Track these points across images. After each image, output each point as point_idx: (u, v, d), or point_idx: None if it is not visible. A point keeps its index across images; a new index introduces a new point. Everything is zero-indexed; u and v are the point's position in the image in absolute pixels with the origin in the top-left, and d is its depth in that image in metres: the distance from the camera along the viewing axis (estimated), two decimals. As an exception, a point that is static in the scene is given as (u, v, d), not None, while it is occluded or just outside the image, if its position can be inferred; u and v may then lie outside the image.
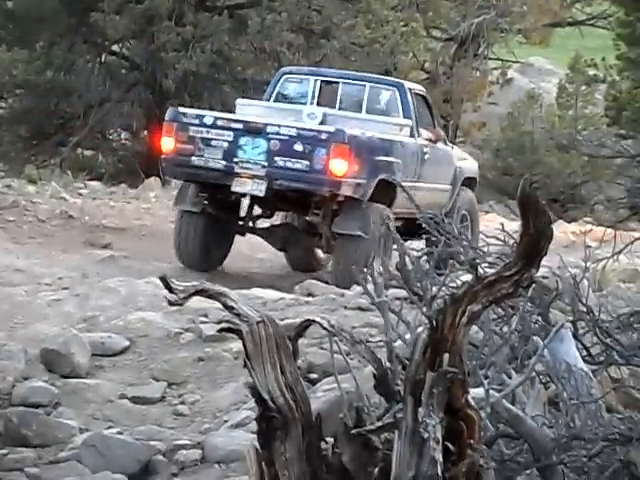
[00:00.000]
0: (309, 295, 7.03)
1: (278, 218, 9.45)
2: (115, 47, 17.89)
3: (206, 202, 8.65)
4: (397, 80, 10.55)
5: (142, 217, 11.94)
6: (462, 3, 22.13)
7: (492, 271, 2.15)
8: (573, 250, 9.04)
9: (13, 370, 4.99)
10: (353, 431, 2.28)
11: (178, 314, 5.63)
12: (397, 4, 17.78)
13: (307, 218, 8.73)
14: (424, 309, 2.62)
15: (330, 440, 2.29)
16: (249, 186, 8.34)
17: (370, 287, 2.93)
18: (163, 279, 2.47)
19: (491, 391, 2.44)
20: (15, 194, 12.16)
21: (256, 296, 6.34)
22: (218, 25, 15.65)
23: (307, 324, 2.49)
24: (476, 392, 2.36)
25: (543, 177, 20.14)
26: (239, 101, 10.10)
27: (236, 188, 8.39)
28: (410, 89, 9.62)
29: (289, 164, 8.19)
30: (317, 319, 2.32)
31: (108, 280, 7.06)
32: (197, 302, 3.50)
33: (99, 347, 5.37)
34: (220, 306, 2.57)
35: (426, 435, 1.92)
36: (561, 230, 12.49)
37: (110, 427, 4.46)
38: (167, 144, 8.56)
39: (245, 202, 8.93)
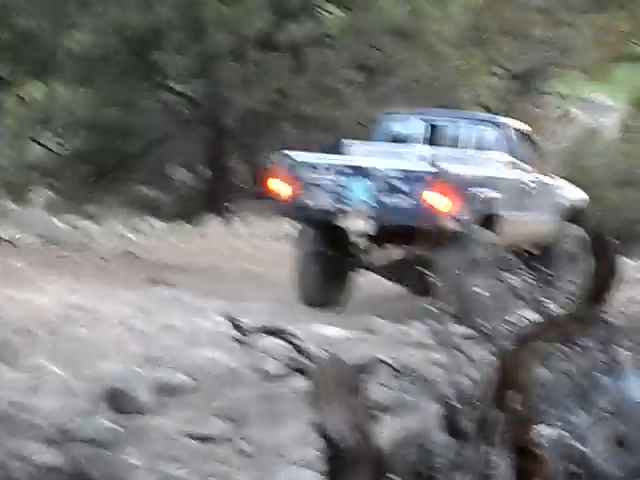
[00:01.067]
0: (369, 331, 7.21)
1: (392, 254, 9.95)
2: (175, 85, 18.55)
3: (322, 242, 9.33)
4: (502, 119, 11.02)
5: (204, 254, 12.30)
6: (522, 40, 22.26)
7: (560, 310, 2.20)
8: (637, 286, 9.05)
9: (77, 408, 5.18)
10: (420, 470, 2.35)
11: (242, 352, 5.80)
12: (457, 41, 18.03)
13: (417, 253, 9.15)
14: (492, 347, 2.68)
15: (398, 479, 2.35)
16: (361, 225, 8.91)
17: (433, 323, 3.02)
18: (230, 318, 2.60)
19: (560, 431, 2.48)
20: (77, 232, 12.67)
21: (318, 333, 6.49)
22: (278, 63, 16.06)
23: (373, 362, 2.58)
24: (546, 432, 2.40)
25: (603, 213, 20.37)
26: (345, 142, 10.48)
27: (349, 227, 8.98)
28: (513, 127, 10.39)
29: (397, 203, 8.79)
30: (384, 358, 2.41)
31: (171, 318, 7.32)
32: (262, 340, 3.66)
33: (163, 385, 5.54)
34: (285, 344, 2.69)
35: (494, 474, 1.96)
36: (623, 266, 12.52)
37: (175, 466, 4.60)
38: (278, 187, 9.21)
39: (358, 240, 9.33)
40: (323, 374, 2.57)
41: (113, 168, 19.11)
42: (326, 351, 2.75)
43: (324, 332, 6.62)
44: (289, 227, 10.95)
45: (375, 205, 8.85)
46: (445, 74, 16.52)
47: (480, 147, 9.98)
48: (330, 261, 9.22)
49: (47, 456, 4.45)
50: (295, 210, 9.27)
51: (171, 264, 11.22)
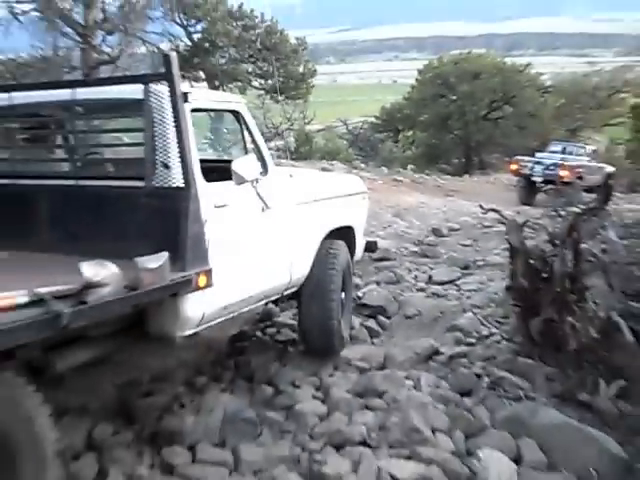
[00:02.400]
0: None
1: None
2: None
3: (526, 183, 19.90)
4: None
5: (466, 187, 21.77)
6: None
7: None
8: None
9: (422, 233, 13.37)
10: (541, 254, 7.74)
11: (479, 218, 13.89)
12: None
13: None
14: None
15: None
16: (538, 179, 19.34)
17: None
18: (479, 204, 10.37)
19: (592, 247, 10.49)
20: (425, 178, 23.28)
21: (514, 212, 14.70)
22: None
23: (525, 222, 10.54)
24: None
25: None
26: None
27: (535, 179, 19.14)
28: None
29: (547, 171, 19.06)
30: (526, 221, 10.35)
31: (454, 206, 15.95)
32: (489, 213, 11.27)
33: (450, 227, 12.98)
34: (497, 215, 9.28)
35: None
36: None
37: (456, 250, 12.99)
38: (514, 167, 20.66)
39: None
40: (510, 223, 6.11)
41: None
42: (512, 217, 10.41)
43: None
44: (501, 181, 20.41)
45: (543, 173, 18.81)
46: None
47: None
48: (529, 188, 18.69)
49: (413, 248, 12.72)
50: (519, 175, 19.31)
51: (453, 189, 20.32)
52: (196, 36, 20.45)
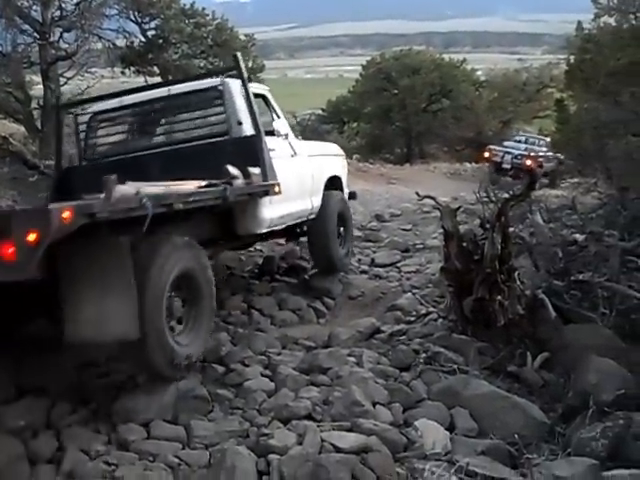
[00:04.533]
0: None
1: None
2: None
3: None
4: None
5: (408, 174, 21.64)
6: None
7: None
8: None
9: (366, 218, 13.57)
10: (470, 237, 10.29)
11: (417, 203, 13.97)
12: None
13: None
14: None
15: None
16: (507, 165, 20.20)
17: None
18: (416, 192, 10.49)
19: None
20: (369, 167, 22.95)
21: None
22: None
23: (460, 206, 10.85)
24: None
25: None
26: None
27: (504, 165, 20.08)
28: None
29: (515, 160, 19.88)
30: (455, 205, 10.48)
31: (395, 192, 16.01)
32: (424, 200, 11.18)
33: (391, 213, 12.97)
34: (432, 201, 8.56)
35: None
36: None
37: (393, 234, 13.04)
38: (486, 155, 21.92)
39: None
40: (444, 209, 6.30)
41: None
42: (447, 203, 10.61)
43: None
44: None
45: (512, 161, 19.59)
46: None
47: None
48: (498, 172, 20.06)
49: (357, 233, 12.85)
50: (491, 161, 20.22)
51: (395, 177, 20.32)
52: (150, 33, 20.07)
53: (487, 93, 31.80)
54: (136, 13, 19.19)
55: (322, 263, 7.92)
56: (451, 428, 4.58)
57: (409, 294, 7.49)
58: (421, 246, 10.07)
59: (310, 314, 7.09)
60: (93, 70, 14.44)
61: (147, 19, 19.85)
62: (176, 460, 4.08)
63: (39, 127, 13.30)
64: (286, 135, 7.07)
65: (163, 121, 7.25)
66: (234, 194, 5.36)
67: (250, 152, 6.03)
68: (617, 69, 9.70)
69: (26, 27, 13.31)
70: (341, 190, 8.45)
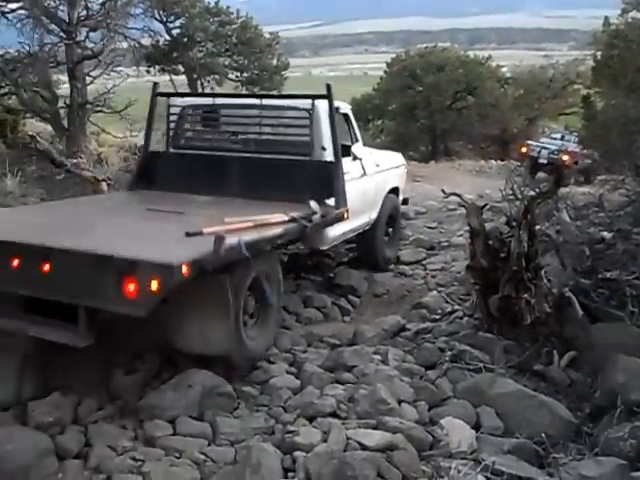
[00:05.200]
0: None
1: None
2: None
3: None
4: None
5: (433, 172, 21.33)
6: None
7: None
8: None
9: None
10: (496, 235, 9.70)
11: (443, 200, 13.80)
12: None
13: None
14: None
15: None
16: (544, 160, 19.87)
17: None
18: (442, 189, 10.32)
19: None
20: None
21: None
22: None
23: (485, 205, 10.69)
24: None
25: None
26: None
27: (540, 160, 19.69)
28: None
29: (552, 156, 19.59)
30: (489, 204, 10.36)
31: (421, 190, 15.90)
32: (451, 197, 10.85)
33: (417, 210, 13.21)
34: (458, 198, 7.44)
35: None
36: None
37: (421, 231, 12.99)
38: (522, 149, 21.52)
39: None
40: (470, 207, 6.15)
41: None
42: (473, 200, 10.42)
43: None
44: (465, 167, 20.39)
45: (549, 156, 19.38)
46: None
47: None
48: (535, 167, 19.85)
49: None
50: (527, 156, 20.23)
51: (420, 174, 20.09)
52: (175, 31, 20.21)
53: (512, 90, 31.43)
54: (161, 12, 19.34)
55: (367, 259, 8.36)
56: (477, 427, 4.55)
57: (434, 292, 7.45)
58: (446, 244, 10.00)
59: (335, 312, 7.08)
60: (119, 69, 14.52)
61: (172, 18, 20.01)
62: (202, 456, 4.11)
63: (66, 126, 13.41)
64: (360, 159, 7.52)
65: (250, 129, 7.52)
66: (312, 230, 5.84)
67: (327, 177, 6.48)
68: (646, 65, 9.54)
69: (53, 27, 13.42)
70: (397, 195, 8.97)
